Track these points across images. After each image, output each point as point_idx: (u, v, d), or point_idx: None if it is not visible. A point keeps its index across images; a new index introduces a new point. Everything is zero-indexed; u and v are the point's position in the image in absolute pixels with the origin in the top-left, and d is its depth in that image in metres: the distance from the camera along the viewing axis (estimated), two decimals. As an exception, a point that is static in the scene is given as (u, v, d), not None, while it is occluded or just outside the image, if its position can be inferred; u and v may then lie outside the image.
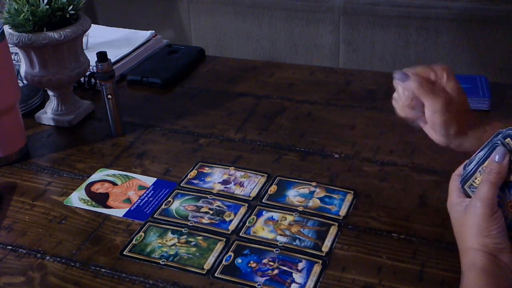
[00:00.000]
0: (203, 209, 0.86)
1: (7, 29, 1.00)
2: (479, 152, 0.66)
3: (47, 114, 1.10)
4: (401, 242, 0.78)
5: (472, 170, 0.65)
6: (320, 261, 0.75)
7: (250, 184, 0.91)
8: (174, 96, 1.19)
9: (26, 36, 0.99)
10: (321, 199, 0.86)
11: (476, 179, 0.65)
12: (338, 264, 0.75)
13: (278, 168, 0.94)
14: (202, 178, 0.93)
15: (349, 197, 0.86)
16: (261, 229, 0.81)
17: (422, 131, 0.98)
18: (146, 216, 0.86)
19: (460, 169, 0.68)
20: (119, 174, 0.95)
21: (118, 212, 0.87)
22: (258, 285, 0.73)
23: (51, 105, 1.10)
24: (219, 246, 0.79)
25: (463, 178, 0.67)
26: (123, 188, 0.92)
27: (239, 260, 0.76)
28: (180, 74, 1.26)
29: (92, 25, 1.08)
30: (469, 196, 0.66)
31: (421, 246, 0.77)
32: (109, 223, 0.85)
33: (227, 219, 0.84)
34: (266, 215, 0.84)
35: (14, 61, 1.05)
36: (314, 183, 0.90)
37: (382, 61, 1.75)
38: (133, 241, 0.81)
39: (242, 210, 0.85)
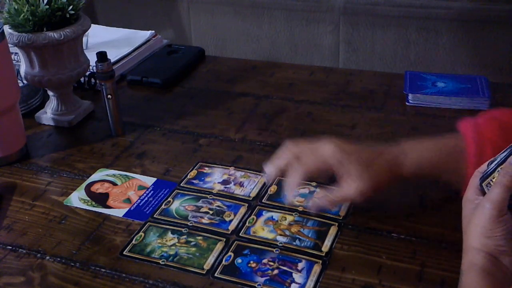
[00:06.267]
0: (203, 209, 0.86)
1: (7, 29, 1.00)
2: (503, 152, 0.64)
3: (47, 114, 1.10)
4: (401, 242, 0.77)
5: (492, 169, 0.64)
6: (320, 261, 0.75)
7: (250, 184, 0.91)
8: (174, 96, 1.19)
9: (26, 36, 0.99)
10: (321, 199, 0.86)
11: (494, 178, 0.63)
12: (338, 264, 0.75)
13: (278, 168, 0.94)
14: (202, 178, 0.93)
15: (349, 197, 0.86)
16: (261, 229, 0.81)
17: (423, 133, 0.97)
18: (146, 216, 0.85)
19: (483, 166, 0.66)
20: (119, 174, 0.95)
21: (118, 212, 0.87)
22: (258, 285, 0.72)
23: (51, 105, 1.10)
24: (219, 246, 0.79)
25: (483, 175, 0.65)
26: (123, 188, 0.92)
27: (239, 260, 0.76)
28: (180, 74, 1.26)
29: (92, 25, 1.08)
30: (485, 194, 0.65)
31: (421, 246, 0.77)
32: (109, 223, 0.85)
33: (227, 219, 0.84)
34: (266, 215, 0.84)
35: (14, 61, 1.05)
36: (314, 183, 0.89)
37: (382, 61, 1.75)
38: (133, 241, 0.81)
39: (242, 210, 0.85)
